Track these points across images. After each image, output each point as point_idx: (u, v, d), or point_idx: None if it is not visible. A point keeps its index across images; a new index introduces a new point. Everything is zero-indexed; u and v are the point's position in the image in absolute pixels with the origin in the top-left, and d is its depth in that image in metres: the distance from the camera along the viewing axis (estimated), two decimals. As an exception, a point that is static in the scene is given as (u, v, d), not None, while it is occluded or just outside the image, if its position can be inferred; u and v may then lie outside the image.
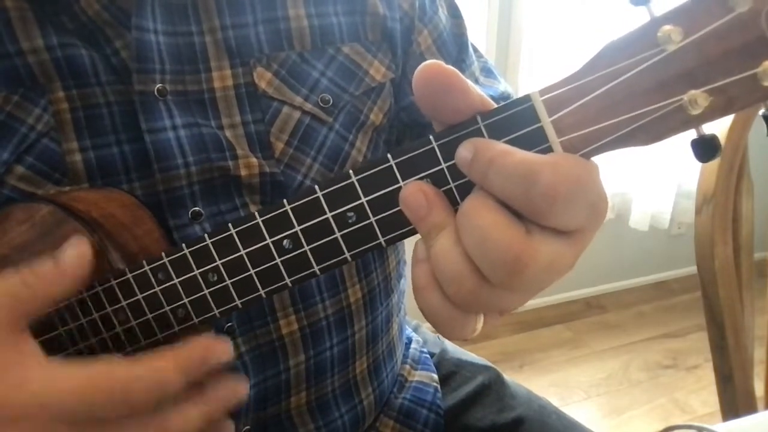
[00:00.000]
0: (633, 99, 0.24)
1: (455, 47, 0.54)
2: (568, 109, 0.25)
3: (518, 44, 1.68)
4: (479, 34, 1.67)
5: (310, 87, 0.44)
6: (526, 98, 0.26)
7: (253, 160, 0.41)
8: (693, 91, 0.23)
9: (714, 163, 0.70)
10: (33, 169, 0.37)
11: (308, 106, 0.43)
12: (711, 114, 0.23)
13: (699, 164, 0.73)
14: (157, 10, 0.38)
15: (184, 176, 0.39)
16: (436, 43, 0.52)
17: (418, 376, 0.60)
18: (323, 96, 0.44)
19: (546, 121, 0.26)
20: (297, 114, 0.43)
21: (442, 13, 0.53)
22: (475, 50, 0.58)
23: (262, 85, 0.42)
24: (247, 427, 0.46)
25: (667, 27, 0.23)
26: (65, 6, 0.36)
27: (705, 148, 0.25)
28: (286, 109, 0.43)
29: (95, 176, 0.38)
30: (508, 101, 0.26)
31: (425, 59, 0.51)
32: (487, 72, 0.58)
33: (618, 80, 0.24)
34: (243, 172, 0.41)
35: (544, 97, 0.26)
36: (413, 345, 0.63)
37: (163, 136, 0.38)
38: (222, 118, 0.41)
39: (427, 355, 0.63)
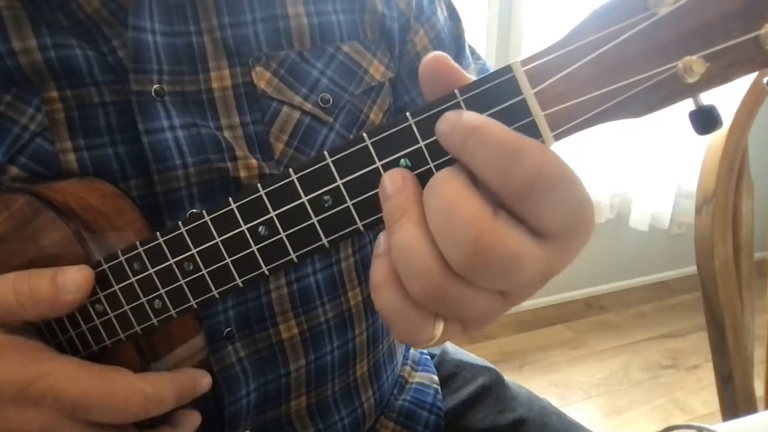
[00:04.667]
0: (622, 67, 0.22)
1: (453, 49, 0.54)
2: (552, 80, 0.24)
3: (518, 44, 1.68)
4: (479, 35, 1.67)
5: (310, 86, 0.43)
6: (507, 69, 0.24)
7: (253, 161, 0.41)
8: (688, 57, 0.21)
9: (714, 163, 0.70)
10: (26, 169, 0.36)
11: (308, 106, 0.43)
12: (708, 82, 0.22)
13: (699, 164, 0.72)
14: (154, 10, 0.38)
15: (182, 177, 0.39)
16: (433, 43, 0.51)
17: (419, 377, 0.59)
18: (323, 96, 0.44)
19: (529, 92, 0.24)
20: (297, 114, 0.43)
21: (441, 14, 0.53)
22: (473, 52, 0.58)
23: (261, 84, 0.41)
24: (247, 431, 0.46)
25: None
26: (62, 3, 0.36)
27: (704, 120, 0.23)
28: (285, 109, 0.42)
29: (90, 176, 0.38)
30: (488, 73, 0.25)
31: (420, 59, 0.51)
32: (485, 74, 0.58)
33: (606, 47, 0.22)
34: (242, 174, 0.41)
35: (526, 68, 0.24)
36: (413, 346, 0.63)
37: (161, 137, 0.38)
38: (221, 118, 0.41)
39: (428, 357, 0.63)
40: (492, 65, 0.59)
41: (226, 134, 0.41)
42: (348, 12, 0.45)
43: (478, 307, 0.26)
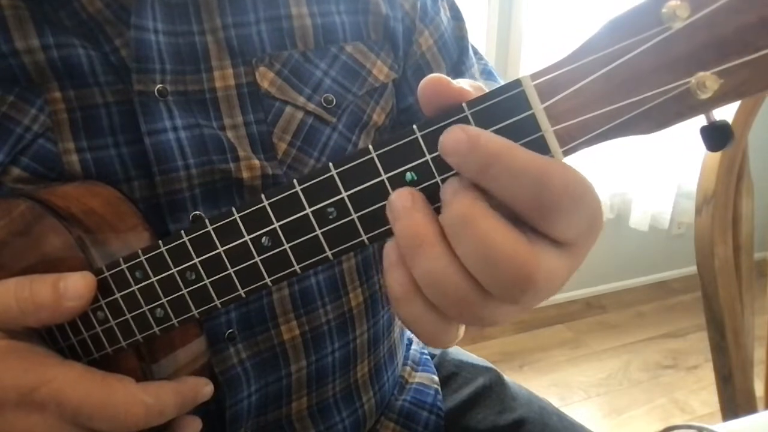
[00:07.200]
0: (634, 82, 0.22)
1: (456, 49, 0.54)
2: (562, 95, 0.23)
3: (518, 44, 1.68)
4: (479, 35, 1.67)
5: (314, 87, 0.43)
6: (517, 83, 0.24)
7: (255, 161, 0.41)
8: (701, 73, 0.21)
9: (714, 163, 0.70)
10: (29, 170, 0.36)
11: (311, 107, 0.43)
12: (721, 98, 0.21)
13: (699, 164, 0.73)
14: (157, 9, 0.38)
15: (184, 179, 0.39)
16: (437, 44, 0.51)
17: (419, 377, 0.59)
18: (326, 96, 0.44)
19: (538, 107, 0.24)
20: (300, 114, 0.43)
21: (444, 15, 0.53)
22: (476, 52, 0.58)
23: (265, 84, 0.41)
24: (248, 432, 0.46)
25: (672, 2, 0.21)
26: (64, 2, 0.36)
27: (716, 136, 0.23)
28: (288, 109, 0.42)
29: (93, 178, 0.38)
30: (497, 87, 0.24)
31: (426, 60, 0.51)
32: (488, 74, 0.58)
33: (618, 62, 0.22)
34: (245, 175, 0.40)
35: (536, 82, 0.24)
36: (413, 346, 0.63)
37: (164, 138, 0.38)
38: (224, 118, 0.40)
39: (428, 357, 0.63)
40: (492, 66, 0.59)
41: (229, 134, 0.40)
42: (351, 13, 0.45)
43: (508, 315, 0.27)
